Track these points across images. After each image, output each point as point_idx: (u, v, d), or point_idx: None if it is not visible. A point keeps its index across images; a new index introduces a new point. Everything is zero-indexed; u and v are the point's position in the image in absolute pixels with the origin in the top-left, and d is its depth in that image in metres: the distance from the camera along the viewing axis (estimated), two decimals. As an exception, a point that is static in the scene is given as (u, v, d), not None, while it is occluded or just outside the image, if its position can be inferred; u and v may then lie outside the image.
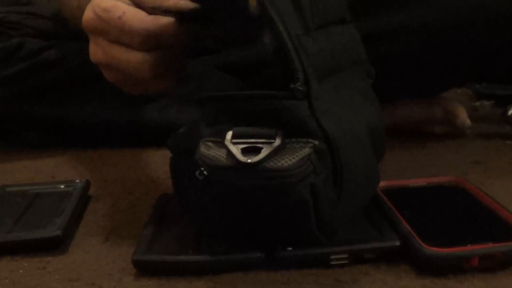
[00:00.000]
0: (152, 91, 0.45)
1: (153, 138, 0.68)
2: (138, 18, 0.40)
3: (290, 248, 0.37)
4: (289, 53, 0.35)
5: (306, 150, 0.34)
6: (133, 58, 0.41)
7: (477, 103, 0.85)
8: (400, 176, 0.43)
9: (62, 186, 0.52)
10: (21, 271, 0.39)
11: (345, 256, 0.37)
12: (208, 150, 0.35)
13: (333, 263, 0.37)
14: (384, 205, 0.43)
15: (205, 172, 0.35)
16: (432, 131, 0.70)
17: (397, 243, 0.38)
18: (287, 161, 0.34)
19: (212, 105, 0.37)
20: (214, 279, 0.37)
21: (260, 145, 0.34)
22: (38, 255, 0.41)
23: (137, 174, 0.60)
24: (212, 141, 0.36)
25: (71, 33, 0.64)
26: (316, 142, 0.35)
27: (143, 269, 0.38)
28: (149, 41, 0.40)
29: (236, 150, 0.34)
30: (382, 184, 0.44)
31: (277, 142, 0.34)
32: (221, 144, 0.35)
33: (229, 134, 0.35)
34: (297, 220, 0.35)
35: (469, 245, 0.36)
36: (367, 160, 0.39)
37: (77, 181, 0.52)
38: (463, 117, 0.69)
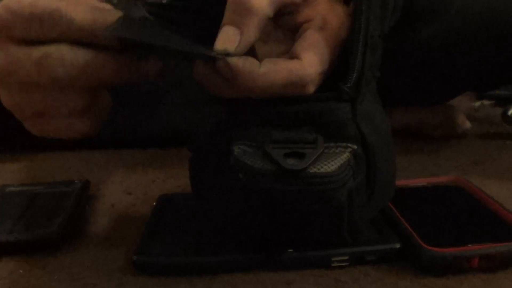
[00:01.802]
0: (63, 133, 0.36)
1: (154, 140, 0.68)
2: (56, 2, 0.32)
3: (291, 250, 0.37)
4: (356, 51, 0.35)
5: (346, 155, 0.34)
6: (29, 55, 0.33)
7: (477, 103, 0.85)
8: (400, 176, 0.43)
9: (62, 186, 0.51)
10: (21, 271, 0.39)
11: (346, 258, 0.37)
12: (245, 155, 0.34)
13: (334, 265, 0.37)
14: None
15: (242, 177, 0.34)
16: (431, 134, 0.70)
17: (398, 245, 0.38)
18: (330, 166, 0.33)
19: (245, 107, 0.36)
20: (214, 279, 0.37)
21: (301, 150, 0.34)
22: (38, 255, 0.41)
23: (137, 174, 0.60)
24: (246, 145, 0.35)
25: None
26: (355, 147, 0.34)
27: (143, 269, 0.38)
28: (58, 28, 0.33)
29: (278, 155, 0.33)
30: (382, 184, 0.44)
31: (319, 147, 0.34)
32: (259, 148, 0.34)
33: (269, 139, 0.34)
34: (330, 224, 0.35)
35: (469, 245, 0.36)
36: (393, 162, 0.39)
37: (77, 181, 0.52)
38: (462, 121, 0.69)
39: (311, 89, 0.35)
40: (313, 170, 0.33)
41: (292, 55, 0.35)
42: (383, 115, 0.39)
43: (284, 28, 0.38)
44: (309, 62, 0.35)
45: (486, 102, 0.85)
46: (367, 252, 0.37)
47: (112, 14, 0.33)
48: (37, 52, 0.33)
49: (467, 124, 0.70)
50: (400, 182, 0.48)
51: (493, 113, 0.81)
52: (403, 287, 0.35)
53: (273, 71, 0.33)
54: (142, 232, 0.41)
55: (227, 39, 0.33)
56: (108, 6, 0.34)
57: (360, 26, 0.35)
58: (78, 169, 0.64)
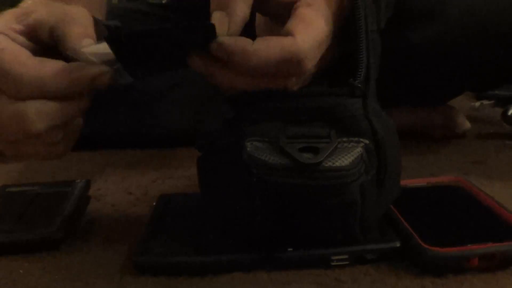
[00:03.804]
0: (38, 158, 0.38)
1: (154, 140, 0.68)
2: (18, 60, 0.33)
3: (291, 249, 0.37)
4: (361, 47, 0.35)
5: (359, 150, 0.34)
6: (5, 108, 0.34)
7: (477, 103, 0.85)
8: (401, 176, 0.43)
9: (62, 186, 0.51)
10: (21, 271, 0.39)
11: (346, 257, 0.37)
12: (258, 150, 0.34)
13: (333, 263, 0.37)
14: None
15: (256, 173, 0.34)
16: (431, 134, 0.70)
17: (398, 244, 0.38)
18: (344, 160, 0.33)
19: (256, 104, 0.36)
20: (214, 279, 0.37)
21: (315, 145, 0.34)
22: (38, 255, 0.41)
23: (137, 174, 0.60)
24: (259, 140, 0.35)
25: None
26: (367, 142, 0.35)
27: (143, 269, 0.38)
28: (28, 89, 0.33)
29: (294, 150, 0.33)
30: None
31: (333, 141, 0.34)
32: (272, 143, 0.34)
33: (283, 134, 0.34)
34: (342, 220, 0.35)
35: (469, 245, 0.36)
36: (399, 160, 0.39)
37: (77, 181, 0.52)
38: (462, 122, 0.69)
39: (308, 65, 0.34)
40: (328, 164, 0.33)
41: (284, 33, 0.35)
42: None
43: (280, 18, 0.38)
44: (302, 37, 0.34)
45: (486, 102, 0.85)
46: (367, 251, 0.37)
47: (83, 70, 0.33)
48: (12, 107, 0.34)
49: (467, 125, 0.70)
50: (400, 182, 0.48)
51: (493, 113, 0.81)
52: (403, 287, 0.35)
53: (266, 47, 0.33)
54: (142, 232, 0.41)
55: (218, 23, 0.33)
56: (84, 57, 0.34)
57: (360, 21, 0.35)
58: (78, 169, 0.64)
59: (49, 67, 0.33)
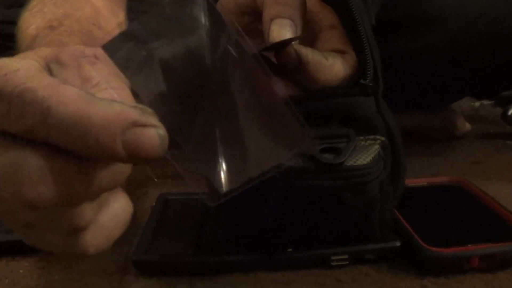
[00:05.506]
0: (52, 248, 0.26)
1: None
2: (36, 80, 0.20)
3: (291, 249, 0.37)
4: (365, 48, 0.35)
5: (377, 147, 0.35)
6: (22, 158, 0.20)
7: (477, 103, 0.85)
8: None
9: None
10: (21, 271, 0.39)
11: (346, 256, 0.37)
12: None
13: (333, 263, 0.37)
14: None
15: (280, 178, 0.34)
16: (432, 136, 0.70)
17: (398, 244, 0.38)
18: (364, 159, 0.34)
19: None
20: (214, 279, 0.37)
21: (335, 145, 0.34)
22: (38, 255, 0.41)
23: (137, 174, 0.60)
24: None
25: None
26: (383, 138, 0.35)
27: (143, 269, 0.38)
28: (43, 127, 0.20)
29: (316, 152, 0.33)
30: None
31: (352, 140, 0.34)
32: None
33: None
34: (363, 218, 0.35)
35: (469, 245, 0.36)
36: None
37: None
38: (462, 125, 0.69)
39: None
40: (349, 163, 0.33)
41: (337, 51, 0.35)
42: None
43: None
44: (354, 55, 0.35)
45: (486, 102, 0.85)
46: (367, 250, 0.37)
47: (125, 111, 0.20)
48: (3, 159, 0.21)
49: (467, 127, 0.70)
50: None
51: (493, 113, 0.81)
52: (403, 287, 0.35)
53: (336, 63, 0.34)
54: (142, 232, 0.41)
55: (287, 29, 0.33)
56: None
57: (359, 24, 0.35)
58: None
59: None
